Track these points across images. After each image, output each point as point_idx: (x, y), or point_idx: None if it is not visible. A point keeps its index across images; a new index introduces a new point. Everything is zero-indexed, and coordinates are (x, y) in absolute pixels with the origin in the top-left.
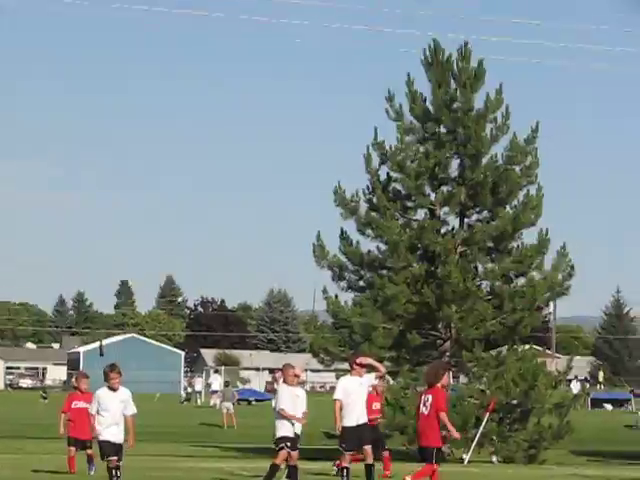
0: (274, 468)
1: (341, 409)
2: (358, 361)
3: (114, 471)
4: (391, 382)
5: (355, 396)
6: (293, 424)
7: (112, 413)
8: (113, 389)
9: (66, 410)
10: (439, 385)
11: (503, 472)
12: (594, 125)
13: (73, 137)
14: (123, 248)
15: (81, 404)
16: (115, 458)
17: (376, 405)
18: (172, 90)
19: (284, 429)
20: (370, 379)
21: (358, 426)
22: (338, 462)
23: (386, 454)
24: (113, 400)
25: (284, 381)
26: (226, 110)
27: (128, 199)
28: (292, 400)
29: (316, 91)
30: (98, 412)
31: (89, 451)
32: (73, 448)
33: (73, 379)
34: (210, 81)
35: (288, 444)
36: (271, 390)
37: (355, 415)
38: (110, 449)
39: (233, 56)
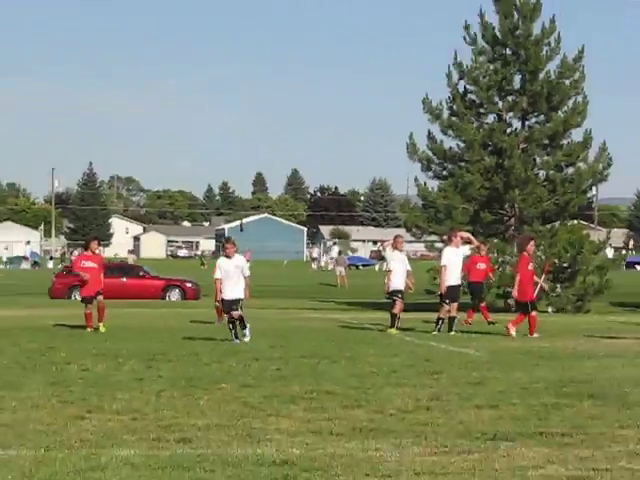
0: (394, 316)
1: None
2: (458, 235)
3: (233, 323)
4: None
5: (454, 264)
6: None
7: (230, 275)
8: (229, 257)
9: (76, 269)
10: (525, 253)
11: (558, 319)
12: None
13: None
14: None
15: (89, 264)
16: (235, 312)
17: (481, 265)
18: None
19: (396, 283)
20: (465, 250)
21: (454, 286)
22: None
23: (483, 304)
24: (229, 265)
25: (395, 248)
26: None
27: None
28: (401, 261)
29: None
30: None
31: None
32: (89, 305)
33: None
34: None
35: (399, 295)
36: (376, 257)
37: (454, 277)
38: (229, 305)
39: None
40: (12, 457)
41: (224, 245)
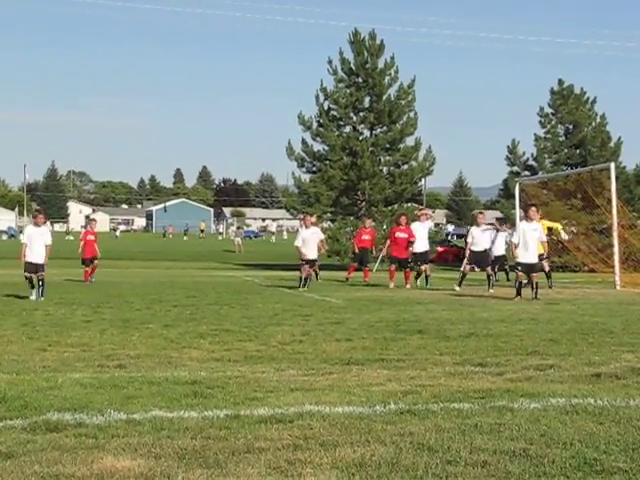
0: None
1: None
2: (421, 212)
3: (31, 280)
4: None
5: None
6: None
7: (34, 241)
8: (37, 225)
9: (82, 239)
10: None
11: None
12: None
13: None
14: (175, 146)
15: (90, 237)
16: (34, 274)
17: (365, 237)
18: None
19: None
20: (428, 224)
21: (422, 253)
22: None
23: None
24: (36, 233)
25: (306, 226)
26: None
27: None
28: (309, 237)
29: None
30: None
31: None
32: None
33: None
34: None
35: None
36: (263, 231)
37: (420, 245)
38: (32, 267)
39: None
40: None
41: (34, 215)
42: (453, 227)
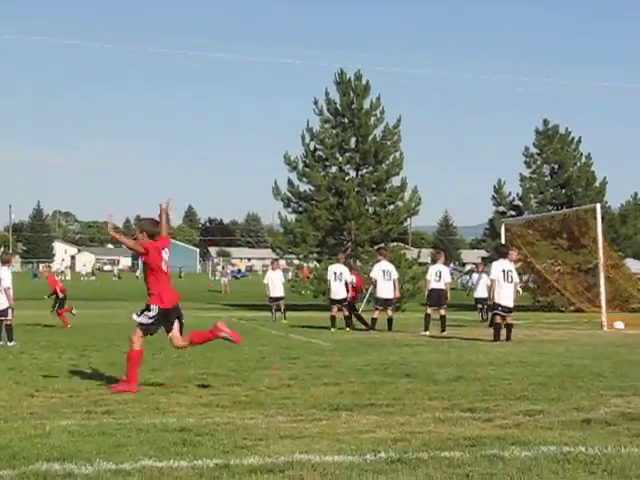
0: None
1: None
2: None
3: None
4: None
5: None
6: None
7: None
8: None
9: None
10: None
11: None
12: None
13: None
14: (160, 185)
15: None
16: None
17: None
18: None
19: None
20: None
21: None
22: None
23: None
24: None
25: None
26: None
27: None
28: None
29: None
30: None
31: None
32: None
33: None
34: None
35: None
36: (250, 270)
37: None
38: None
39: None
40: None
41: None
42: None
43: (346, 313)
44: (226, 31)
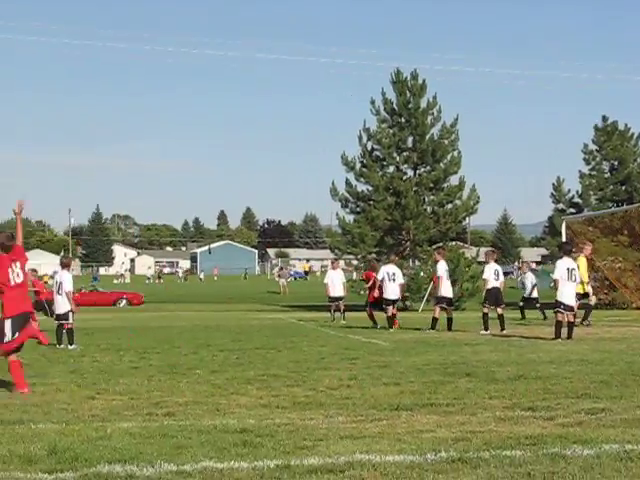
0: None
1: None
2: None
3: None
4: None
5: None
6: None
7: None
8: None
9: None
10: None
11: (442, 316)
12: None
13: None
14: (219, 189)
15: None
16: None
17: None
18: None
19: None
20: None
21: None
22: None
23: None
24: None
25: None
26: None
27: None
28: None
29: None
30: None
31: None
32: None
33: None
34: None
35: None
36: (308, 272)
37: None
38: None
39: None
40: (41, 430)
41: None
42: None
43: (391, 312)
44: (289, 29)
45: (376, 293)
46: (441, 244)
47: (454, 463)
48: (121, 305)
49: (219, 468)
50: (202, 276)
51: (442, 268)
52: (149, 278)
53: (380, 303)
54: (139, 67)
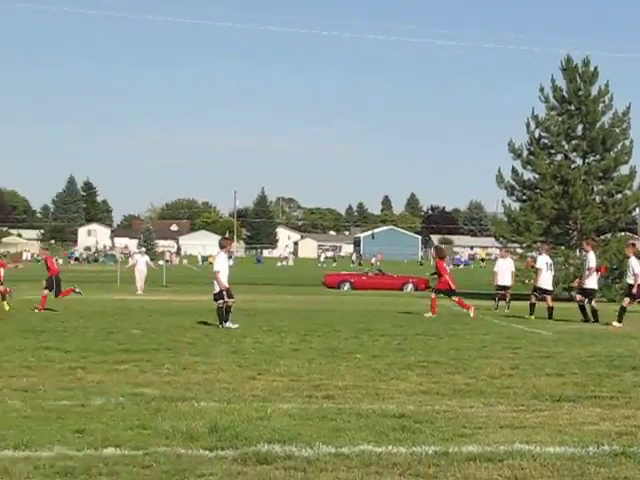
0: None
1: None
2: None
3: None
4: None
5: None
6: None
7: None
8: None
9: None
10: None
11: (610, 307)
12: None
13: None
14: (384, 174)
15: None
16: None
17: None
18: None
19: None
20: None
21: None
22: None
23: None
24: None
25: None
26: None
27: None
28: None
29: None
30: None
31: None
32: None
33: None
34: None
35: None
36: (472, 259)
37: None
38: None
39: None
40: (203, 407)
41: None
42: None
43: (550, 304)
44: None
45: (451, 284)
46: (609, 234)
47: (617, 457)
48: (407, 290)
49: (377, 452)
50: (355, 259)
51: (592, 259)
52: (322, 262)
53: (451, 291)
54: (321, 54)
